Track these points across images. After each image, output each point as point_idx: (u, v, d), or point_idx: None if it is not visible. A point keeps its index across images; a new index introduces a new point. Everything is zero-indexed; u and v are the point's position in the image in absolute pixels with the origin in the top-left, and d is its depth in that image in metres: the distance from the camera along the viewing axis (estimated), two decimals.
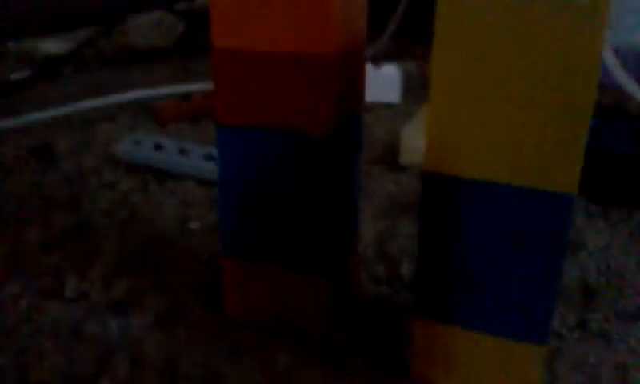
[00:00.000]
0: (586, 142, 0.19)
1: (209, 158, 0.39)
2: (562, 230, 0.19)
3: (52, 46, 0.65)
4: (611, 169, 0.35)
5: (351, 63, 0.23)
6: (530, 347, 0.21)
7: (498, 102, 0.18)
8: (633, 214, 0.35)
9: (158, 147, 0.41)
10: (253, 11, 0.21)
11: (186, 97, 0.55)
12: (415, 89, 0.58)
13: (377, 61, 0.60)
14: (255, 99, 0.22)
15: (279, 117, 0.22)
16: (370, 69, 0.54)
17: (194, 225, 0.34)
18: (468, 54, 0.18)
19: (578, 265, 0.31)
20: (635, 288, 0.29)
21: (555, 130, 0.18)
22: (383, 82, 0.52)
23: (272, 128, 0.22)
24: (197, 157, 0.39)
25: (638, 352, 0.25)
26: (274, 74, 0.21)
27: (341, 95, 0.22)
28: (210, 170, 0.38)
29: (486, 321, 0.21)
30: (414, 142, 0.40)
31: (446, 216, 0.20)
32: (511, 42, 0.18)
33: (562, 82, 0.18)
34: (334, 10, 0.20)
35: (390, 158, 0.42)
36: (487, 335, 0.21)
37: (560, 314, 0.27)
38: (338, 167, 0.23)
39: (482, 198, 0.19)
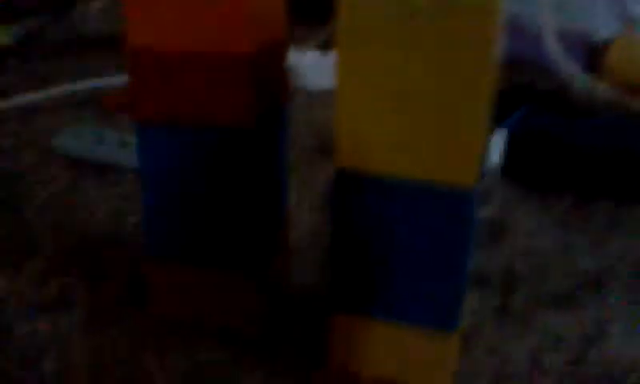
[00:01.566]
0: (485, 137, 0.19)
1: None
2: (465, 222, 0.20)
3: None
4: (543, 152, 0.36)
5: (270, 57, 0.23)
6: (442, 334, 0.21)
7: (400, 99, 0.19)
8: (561, 198, 0.37)
9: (98, 140, 0.40)
10: (167, 10, 0.21)
11: None
12: None
13: (325, 48, 0.61)
14: (174, 97, 0.22)
15: (198, 113, 0.22)
16: (317, 56, 0.54)
17: (132, 219, 0.34)
18: (371, 53, 0.19)
19: (504, 249, 0.32)
20: (558, 273, 0.30)
21: (453, 125, 0.19)
22: (332, 69, 0.53)
23: (192, 124, 0.22)
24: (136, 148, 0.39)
25: (553, 336, 0.26)
26: (191, 73, 0.22)
27: (260, 89, 0.22)
28: None
29: (398, 311, 0.22)
30: None
31: (356, 211, 0.21)
32: (409, 40, 0.18)
33: (460, 78, 0.18)
34: (247, 8, 0.20)
35: (329, 146, 0.43)
36: (401, 324, 0.22)
37: (480, 297, 0.28)
38: (261, 160, 0.23)
39: (389, 193, 0.20)
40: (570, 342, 0.25)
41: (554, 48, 0.47)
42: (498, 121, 0.37)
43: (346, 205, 0.21)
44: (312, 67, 0.54)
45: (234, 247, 0.24)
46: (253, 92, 0.21)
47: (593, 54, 0.53)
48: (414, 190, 0.20)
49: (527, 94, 0.41)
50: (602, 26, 0.55)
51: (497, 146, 0.35)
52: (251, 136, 0.22)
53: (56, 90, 0.51)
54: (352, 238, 0.21)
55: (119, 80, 0.55)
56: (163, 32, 0.21)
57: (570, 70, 0.47)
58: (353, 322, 0.22)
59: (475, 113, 0.18)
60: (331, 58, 0.54)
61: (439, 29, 0.18)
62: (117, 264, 0.30)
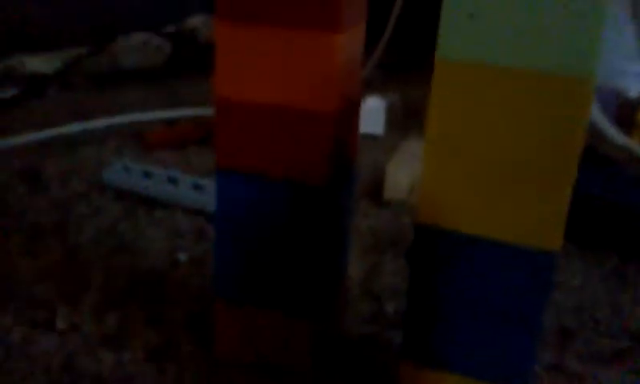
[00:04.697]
0: (569, 202, 0.20)
1: (197, 187, 0.40)
2: (544, 285, 0.20)
3: (39, 64, 0.65)
4: (588, 212, 0.37)
5: (347, 116, 0.24)
6: None
7: (487, 162, 0.20)
8: (607, 257, 0.37)
9: (146, 174, 0.41)
10: (256, 63, 0.22)
11: (172, 122, 0.56)
12: (398, 120, 0.59)
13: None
14: (254, 147, 0.23)
15: (276, 165, 0.23)
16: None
17: (182, 256, 0.34)
18: (461, 116, 0.19)
19: (555, 305, 0.32)
20: (609, 330, 0.30)
21: (541, 191, 0.19)
22: (367, 114, 0.54)
23: (269, 175, 0.23)
24: (186, 186, 0.40)
25: None
26: (273, 126, 0.22)
27: (336, 148, 0.23)
28: (199, 199, 0.39)
29: (471, 365, 0.22)
30: (399, 178, 0.42)
31: (435, 266, 0.21)
32: (501, 106, 0.19)
33: (548, 146, 0.19)
34: (336, 70, 0.21)
35: (375, 192, 0.43)
36: (472, 379, 0.22)
37: (536, 354, 0.28)
38: (331, 215, 0.24)
39: (470, 251, 0.21)
40: None
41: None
42: None
43: (424, 258, 0.21)
44: (368, 114, 0.54)
45: (299, 294, 0.24)
46: (332, 150, 0.22)
47: (626, 111, 0.54)
48: (497, 250, 0.20)
49: None
50: (636, 83, 0.56)
51: None
52: (323, 192, 0.23)
53: (100, 122, 0.52)
54: (428, 291, 0.22)
55: (159, 115, 0.56)
56: (251, 83, 0.22)
57: (605, 125, 0.48)
58: (423, 372, 0.23)
59: (564, 179, 0.19)
60: (367, 104, 0.55)
61: (532, 95, 0.19)
62: (172, 301, 0.30)
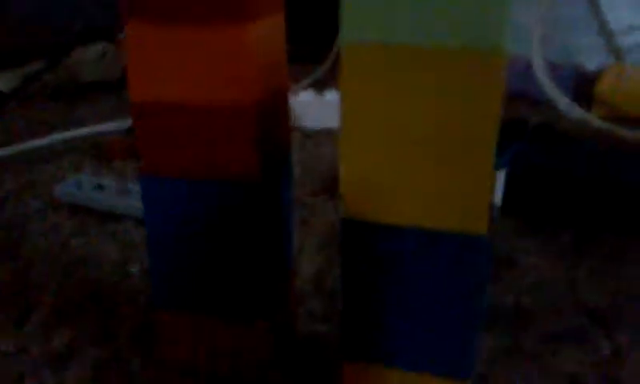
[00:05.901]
0: (492, 183, 0.19)
1: None
2: (475, 271, 0.20)
3: None
4: (541, 187, 0.37)
5: (273, 108, 0.23)
6: (456, 381, 0.21)
7: (406, 147, 0.19)
8: (562, 233, 0.37)
9: (99, 188, 0.41)
10: (170, 62, 0.21)
11: (130, 131, 0.55)
12: None
13: (319, 87, 0.61)
14: (178, 150, 0.22)
15: (204, 166, 0.22)
16: (312, 96, 0.55)
17: (133, 268, 0.34)
18: (373, 102, 0.19)
19: (511, 287, 0.32)
20: (566, 308, 0.30)
21: (461, 172, 0.19)
22: (326, 109, 0.53)
23: (197, 177, 0.23)
24: (137, 197, 0.39)
25: (567, 376, 0.26)
26: (194, 126, 0.22)
27: (264, 142, 0.22)
28: None
29: (411, 358, 0.22)
30: None
31: (364, 261, 0.21)
32: (413, 87, 0.19)
33: (464, 124, 0.19)
34: (252, 62, 0.21)
35: (332, 186, 0.43)
36: (414, 372, 0.22)
37: (490, 337, 0.28)
38: (268, 211, 0.23)
39: (398, 241, 0.20)
40: (585, 382, 0.25)
41: (545, 81, 0.48)
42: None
43: (354, 254, 0.21)
44: (307, 107, 0.54)
45: (241, 297, 0.24)
46: (259, 145, 0.22)
47: (583, 85, 0.54)
48: (425, 238, 0.20)
49: (521, 129, 0.41)
50: (592, 57, 0.56)
51: (496, 185, 0.35)
52: (257, 189, 0.22)
53: (55, 137, 0.51)
54: (362, 287, 0.21)
55: (118, 126, 0.55)
56: (166, 84, 0.22)
57: (562, 101, 0.48)
58: (364, 370, 0.22)
59: (483, 159, 0.19)
60: (326, 98, 0.55)
61: (443, 73, 0.18)
62: (123, 314, 0.30)
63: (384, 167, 0.20)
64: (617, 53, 0.56)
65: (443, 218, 0.19)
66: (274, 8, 0.23)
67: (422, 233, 0.20)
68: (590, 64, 0.55)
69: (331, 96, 0.55)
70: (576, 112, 0.47)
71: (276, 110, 0.24)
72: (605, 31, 0.54)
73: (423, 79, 0.18)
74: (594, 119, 0.48)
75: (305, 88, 0.62)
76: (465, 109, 0.18)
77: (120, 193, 0.40)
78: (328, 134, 0.54)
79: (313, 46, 0.65)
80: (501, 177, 0.37)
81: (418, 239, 0.20)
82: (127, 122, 0.55)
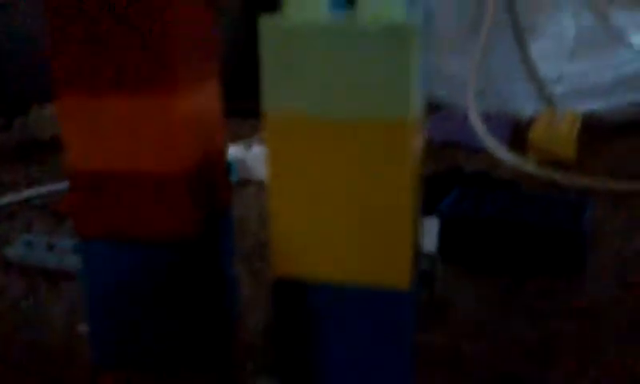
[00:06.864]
0: (413, 240, 0.21)
1: None
2: (402, 325, 0.21)
3: None
4: (473, 234, 0.39)
5: (207, 170, 0.25)
6: None
7: (329, 208, 0.21)
8: (499, 277, 0.39)
9: (49, 247, 0.41)
10: (103, 131, 0.23)
11: None
12: None
13: (248, 142, 0.64)
14: (113, 214, 0.24)
15: (138, 229, 0.24)
16: (263, 148, 0.57)
17: (82, 328, 0.34)
18: (296, 166, 0.21)
19: (449, 329, 0.33)
20: (506, 351, 0.32)
21: (381, 231, 0.21)
22: (256, 161, 0.56)
23: (132, 240, 0.24)
24: None
25: None
26: (128, 192, 0.23)
27: (199, 203, 0.24)
28: None
29: None
30: None
31: (295, 318, 0.22)
32: (331, 154, 0.20)
33: (381, 188, 0.20)
34: (180, 131, 0.22)
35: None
36: None
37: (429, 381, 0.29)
38: (204, 268, 0.25)
39: (325, 298, 0.22)
40: None
41: (480, 130, 0.51)
42: (430, 207, 0.40)
43: (284, 311, 0.22)
44: (259, 160, 0.56)
45: (183, 353, 0.25)
46: (191, 207, 0.23)
47: (519, 132, 0.57)
48: (350, 294, 0.21)
49: (457, 177, 0.44)
50: (527, 105, 0.59)
51: (431, 233, 0.37)
52: (193, 247, 0.23)
53: (10, 197, 0.52)
54: (294, 344, 0.22)
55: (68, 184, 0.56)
56: (99, 153, 0.23)
57: (498, 149, 0.51)
58: None
59: (401, 219, 0.20)
60: (254, 152, 0.57)
61: (354, 142, 0.20)
62: (70, 375, 0.30)
63: (310, 227, 0.21)
64: (549, 100, 0.60)
65: (367, 275, 0.21)
66: (206, 74, 0.24)
67: (348, 289, 0.21)
68: (525, 112, 0.59)
69: (258, 150, 0.57)
70: (511, 159, 0.50)
71: (212, 170, 0.25)
72: (536, 80, 0.57)
73: (337, 147, 0.20)
74: (528, 165, 0.51)
75: (255, 142, 0.64)
76: (378, 174, 0.20)
77: (71, 251, 0.40)
78: (258, 185, 0.56)
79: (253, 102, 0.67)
80: (435, 224, 0.39)
81: (343, 295, 0.21)
82: None
